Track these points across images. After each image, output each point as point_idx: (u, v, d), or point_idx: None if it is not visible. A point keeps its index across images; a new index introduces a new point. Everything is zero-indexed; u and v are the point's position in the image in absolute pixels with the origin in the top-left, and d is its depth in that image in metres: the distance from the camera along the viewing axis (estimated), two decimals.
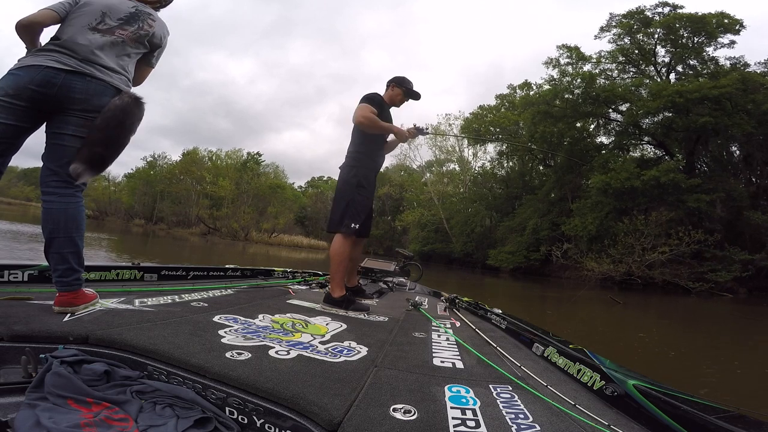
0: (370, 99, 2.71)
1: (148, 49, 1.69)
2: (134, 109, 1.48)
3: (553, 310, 8.52)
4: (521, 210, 24.31)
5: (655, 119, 18.60)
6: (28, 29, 1.48)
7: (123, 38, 1.56)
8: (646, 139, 20.76)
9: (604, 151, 21.46)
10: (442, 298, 3.42)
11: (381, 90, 2.90)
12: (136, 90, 1.67)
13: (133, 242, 17.70)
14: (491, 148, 29.99)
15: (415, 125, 2.91)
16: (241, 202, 37.93)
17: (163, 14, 1.84)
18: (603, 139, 22.70)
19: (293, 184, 49.22)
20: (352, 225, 2.55)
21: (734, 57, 18.89)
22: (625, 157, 19.95)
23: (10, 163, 1.51)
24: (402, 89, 2.84)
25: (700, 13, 18.39)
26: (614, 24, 20.74)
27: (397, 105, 2.90)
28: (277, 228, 37.03)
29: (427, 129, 3.10)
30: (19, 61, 1.46)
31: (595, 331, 6.16)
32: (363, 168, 2.67)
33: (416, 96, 2.90)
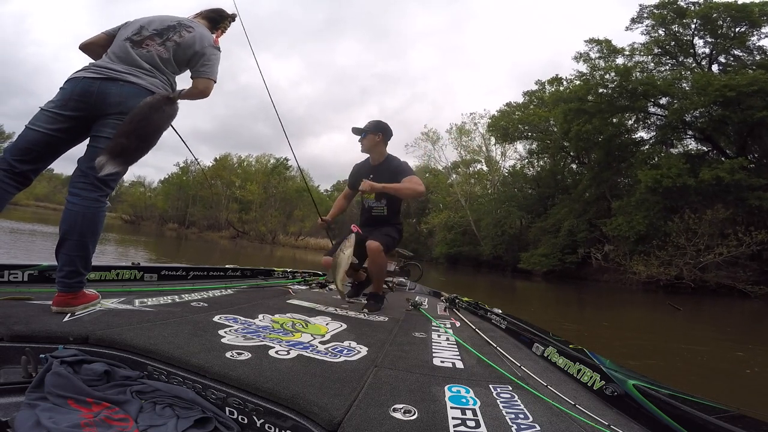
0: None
1: (186, 58, 1.70)
2: (162, 105, 1.50)
3: (609, 321, 7.49)
4: (555, 210, 23.12)
5: (704, 112, 17.32)
6: (86, 49, 1.72)
7: (150, 48, 1.62)
8: (690, 133, 19.49)
9: (645, 147, 20.30)
10: (442, 298, 3.42)
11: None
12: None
13: (167, 245, 17.86)
14: (521, 147, 29.23)
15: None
16: (269, 206, 38.63)
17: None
18: (642, 134, 21.46)
19: (318, 187, 49.54)
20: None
21: None
22: (669, 153, 18.80)
23: (56, 170, 1.57)
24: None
25: (739, 2, 17.30)
26: (646, 15, 19.69)
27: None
28: (304, 231, 37.41)
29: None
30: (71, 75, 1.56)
31: (677, 354, 4.50)
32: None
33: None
